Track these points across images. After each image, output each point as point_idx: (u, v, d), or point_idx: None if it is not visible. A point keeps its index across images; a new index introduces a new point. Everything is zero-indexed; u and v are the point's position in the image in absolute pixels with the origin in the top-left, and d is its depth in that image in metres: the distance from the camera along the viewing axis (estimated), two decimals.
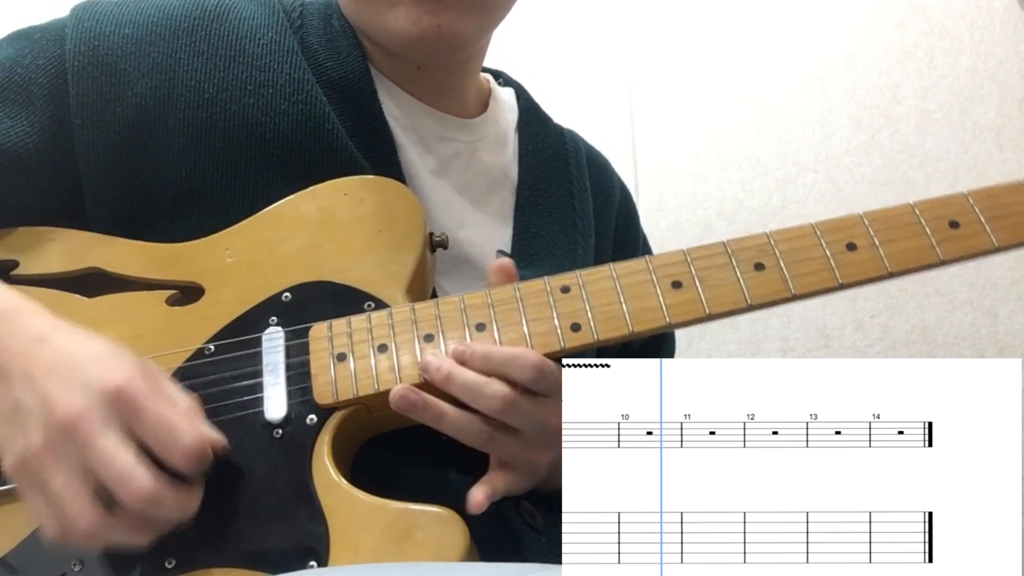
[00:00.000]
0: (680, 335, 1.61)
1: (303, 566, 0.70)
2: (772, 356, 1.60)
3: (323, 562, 0.70)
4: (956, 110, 1.63)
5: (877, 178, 1.63)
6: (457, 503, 0.73)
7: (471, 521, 0.72)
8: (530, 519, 0.85)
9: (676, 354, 1.20)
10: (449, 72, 1.00)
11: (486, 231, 0.99)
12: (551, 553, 0.84)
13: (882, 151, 1.65)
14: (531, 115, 1.11)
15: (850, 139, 1.66)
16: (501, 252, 0.98)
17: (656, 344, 1.13)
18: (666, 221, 1.71)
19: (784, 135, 1.69)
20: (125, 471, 0.65)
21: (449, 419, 0.75)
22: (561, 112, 1.17)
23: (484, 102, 1.08)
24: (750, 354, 1.61)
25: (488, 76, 1.13)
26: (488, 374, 0.75)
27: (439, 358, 0.76)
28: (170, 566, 0.71)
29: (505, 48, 1.13)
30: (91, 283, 0.84)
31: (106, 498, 0.66)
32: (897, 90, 1.66)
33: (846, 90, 1.69)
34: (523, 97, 1.13)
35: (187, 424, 0.70)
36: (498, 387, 0.75)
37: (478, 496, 0.76)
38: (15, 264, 0.84)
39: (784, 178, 1.66)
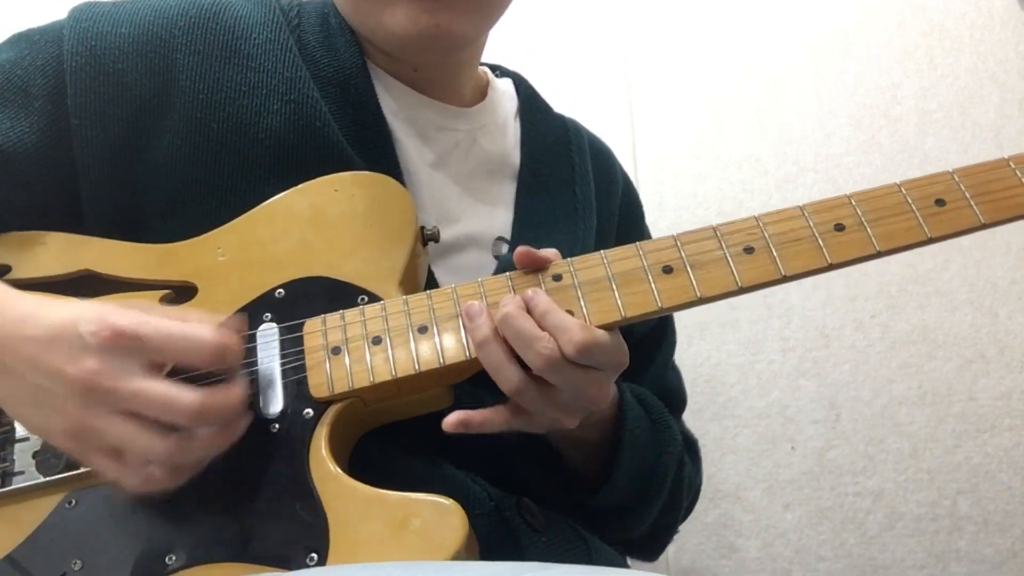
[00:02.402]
0: (681, 335, 1.61)
1: (303, 559, 0.70)
2: (772, 356, 1.60)
3: (323, 554, 0.70)
4: (956, 110, 1.63)
5: (877, 178, 1.61)
6: (455, 495, 0.73)
7: (471, 519, 0.71)
8: (530, 518, 0.85)
9: (676, 355, 1.20)
10: (446, 69, 1.01)
11: (486, 220, 0.99)
12: (550, 552, 0.84)
13: (882, 151, 1.64)
14: (532, 102, 1.12)
15: (850, 139, 1.66)
16: (500, 239, 0.98)
17: (658, 338, 1.13)
18: (666, 221, 1.70)
19: (784, 135, 1.69)
20: (166, 397, 0.68)
21: (491, 350, 0.76)
22: (561, 111, 1.18)
23: (482, 92, 1.08)
24: (750, 354, 1.60)
25: (485, 69, 1.13)
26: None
27: (506, 298, 0.77)
28: (171, 562, 0.71)
29: (504, 47, 1.14)
30: (84, 285, 0.84)
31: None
32: (897, 90, 1.66)
33: (846, 90, 1.69)
34: (523, 85, 1.14)
35: (198, 326, 0.71)
36: (547, 345, 0.74)
37: (451, 418, 0.77)
38: (8, 269, 0.84)
39: (784, 178, 1.66)
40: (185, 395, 0.68)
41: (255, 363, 0.78)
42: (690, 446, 1.09)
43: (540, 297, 0.77)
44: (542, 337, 0.74)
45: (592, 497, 0.91)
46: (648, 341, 1.11)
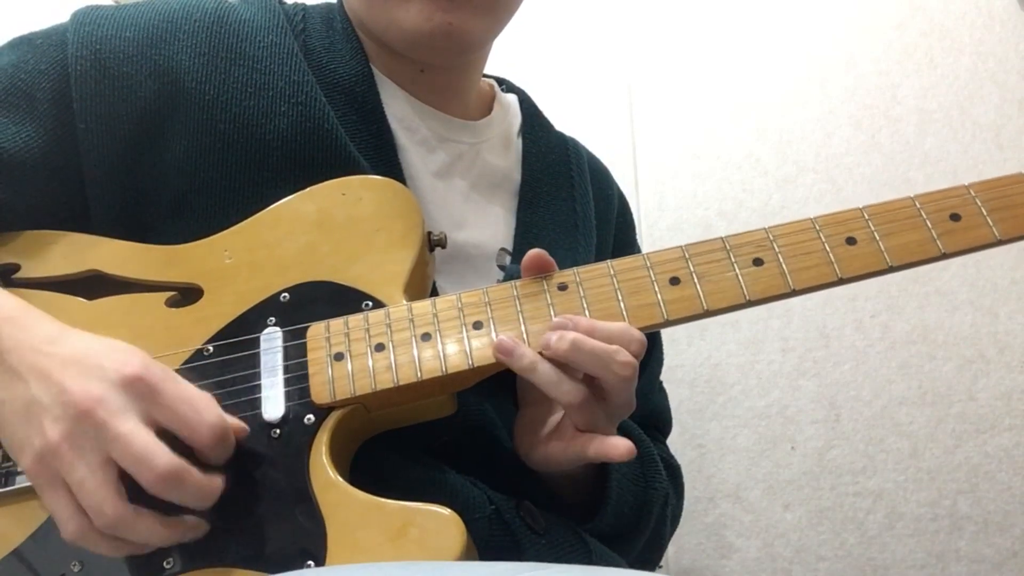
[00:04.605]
0: (681, 335, 1.62)
1: (301, 565, 0.70)
2: (772, 356, 1.60)
3: (321, 561, 0.70)
4: (956, 110, 1.63)
5: (877, 178, 1.63)
6: (455, 503, 0.73)
7: (470, 522, 0.71)
8: (530, 521, 0.85)
9: (676, 355, 1.20)
10: (451, 74, 1.01)
11: (488, 231, 0.99)
12: (550, 554, 0.84)
13: (882, 151, 1.65)
14: (534, 120, 1.12)
15: (850, 139, 1.67)
16: (503, 250, 0.98)
17: (646, 353, 1.13)
18: (666, 221, 1.71)
19: (784, 135, 1.69)
20: (145, 450, 0.66)
21: (542, 371, 0.75)
22: (561, 112, 1.18)
23: (488, 106, 1.09)
24: (750, 354, 1.61)
25: (492, 82, 1.13)
26: None
27: (555, 332, 0.76)
28: (169, 566, 0.71)
29: (506, 49, 1.14)
30: (91, 285, 0.84)
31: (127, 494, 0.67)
32: (897, 90, 1.66)
33: (846, 90, 1.69)
34: (526, 103, 1.14)
35: (208, 404, 0.71)
36: (628, 356, 0.74)
37: (628, 444, 0.76)
38: (16, 267, 0.84)
39: (784, 178, 1.67)
40: (164, 455, 0.66)
41: (258, 368, 0.79)
42: (673, 476, 1.08)
43: (576, 319, 0.76)
44: (618, 350, 0.74)
45: (581, 525, 0.91)
46: None
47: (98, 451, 0.66)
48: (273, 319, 0.80)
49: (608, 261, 0.80)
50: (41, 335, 0.73)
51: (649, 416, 1.11)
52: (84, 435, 0.66)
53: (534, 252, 0.81)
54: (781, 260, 0.78)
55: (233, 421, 0.73)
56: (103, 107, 0.87)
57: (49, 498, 0.68)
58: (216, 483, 0.70)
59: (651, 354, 1.13)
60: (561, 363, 0.76)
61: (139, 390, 0.68)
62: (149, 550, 0.71)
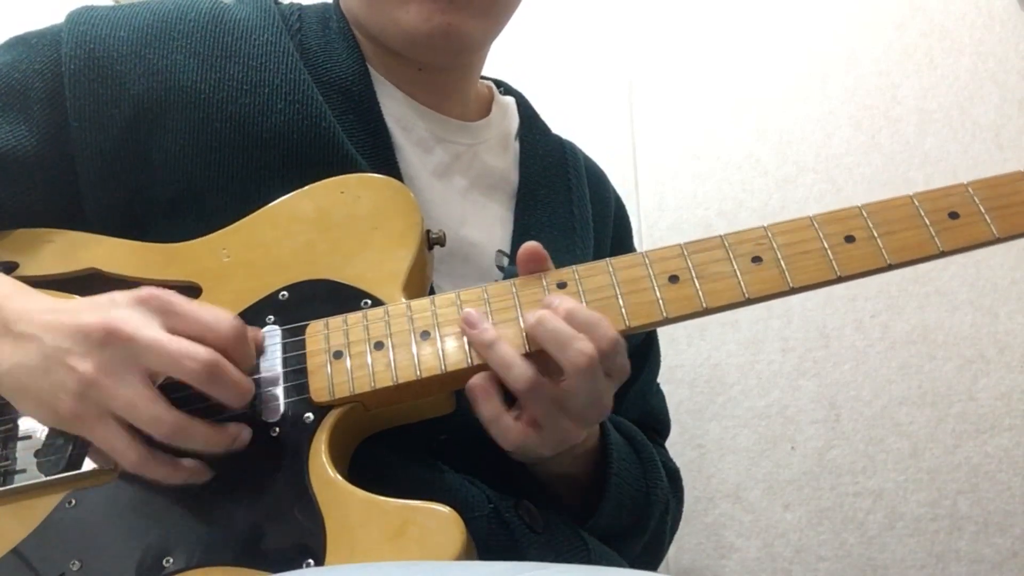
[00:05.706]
0: (681, 335, 1.62)
1: (300, 564, 0.70)
2: (772, 356, 1.60)
3: (320, 560, 0.70)
4: (956, 110, 1.63)
5: (877, 178, 1.63)
6: (454, 497, 0.73)
7: (469, 521, 0.71)
8: (529, 519, 0.85)
9: (676, 355, 1.20)
10: (449, 75, 1.01)
11: (486, 231, 0.99)
12: (550, 553, 0.84)
13: (882, 151, 1.65)
14: (532, 123, 1.12)
15: (850, 139, 1.66)
16: (501, 252, 0.98)
17: (643, 355, 1.12)
18: (666, 221, 1.71)
19: (784, 135, 1.69)
20: (181, 347, 0.68)
21: (500, 348, 0.75)
22: (561, 112, 1.18)
23: (486, 107, 1.09)
24: (750, 354, 1.61)
25: (490, 83, 1.14)
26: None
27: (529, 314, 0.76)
28: (168, 564, 0.71)
29: (506, 48, 1.14)
30: (89, 284, 0.84)
31: None
32: (897, 90, 1.66)
33: (846, 90, 1.69)
34: (524, 106, 1.15)
35: (222, 309, 0.73)
36: (587, 344, 0.73)
37: (509, 421, 0.76)
38: (15, 266, 0.84)
39: (784, 178, 1.67)
40: (202, 349, 0.68)
41: (257, 365, 0.78)
42: (673, 480, 1.07)
43: (563, 299, 0.76)
44: (581, 337, 0.74)
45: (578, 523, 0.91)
46: (632, 358, 1.11)
47: (135, 369, 0.68)
48: (272, 317, 0.80)
49: (607, 259, 0.80)
50: (45, 303, 0.74)
51: (647, 417, 1.10)
52: (115, 358, 0.68)
53: (528, 245, 0.80)
54: (780, 258, 0.78)
55: (251, 329, 0.75)
56: (96, 106, 0.87)
57: (100, 433, 0.69)
58: (248, 382, 0.72)
59: (647, 357, 1.13)
60: (537, 353, 0.76)
61: (154, 305, 0.70)
62: (200, 479, 0.72)
